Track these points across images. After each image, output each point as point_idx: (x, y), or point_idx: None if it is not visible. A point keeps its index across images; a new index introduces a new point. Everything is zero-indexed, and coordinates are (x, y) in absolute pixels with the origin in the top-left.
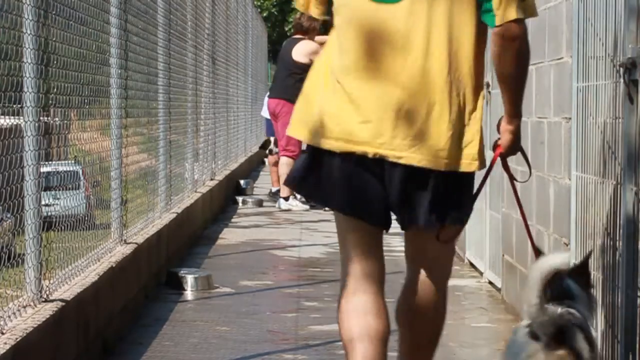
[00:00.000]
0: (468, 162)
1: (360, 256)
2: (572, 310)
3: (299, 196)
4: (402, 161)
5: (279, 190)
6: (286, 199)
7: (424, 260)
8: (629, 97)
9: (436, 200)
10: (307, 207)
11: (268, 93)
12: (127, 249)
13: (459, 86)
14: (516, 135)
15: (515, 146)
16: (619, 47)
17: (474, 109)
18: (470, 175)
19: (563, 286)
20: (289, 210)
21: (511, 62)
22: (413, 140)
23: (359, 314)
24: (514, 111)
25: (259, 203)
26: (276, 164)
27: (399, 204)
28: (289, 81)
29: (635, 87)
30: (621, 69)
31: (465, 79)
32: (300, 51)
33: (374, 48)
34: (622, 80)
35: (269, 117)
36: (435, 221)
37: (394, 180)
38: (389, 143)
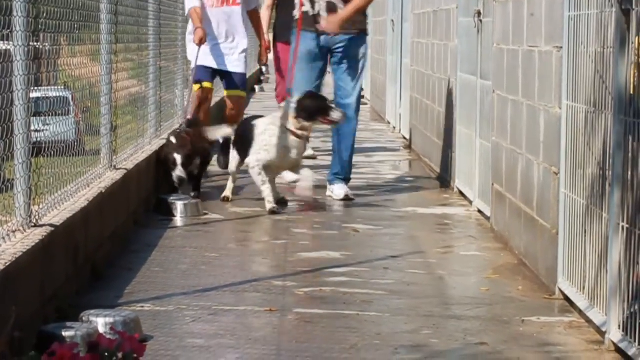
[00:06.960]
0: None
1: None
2: None
3: None
4: None
5: None
6: None
7: None
8: (620, 27)
9: None
10: None
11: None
12: (116, 175)
13: None
14: None
15: None
16: None
17: None
18: None
19: None
20: None
21: None
22: None
23: None
24: None
25: None
26: None
27: None
28: None
29: (627, 16)
30: None
31: None
32: None
33: None
34: (613, 9)
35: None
36: None
37: None
38: None
